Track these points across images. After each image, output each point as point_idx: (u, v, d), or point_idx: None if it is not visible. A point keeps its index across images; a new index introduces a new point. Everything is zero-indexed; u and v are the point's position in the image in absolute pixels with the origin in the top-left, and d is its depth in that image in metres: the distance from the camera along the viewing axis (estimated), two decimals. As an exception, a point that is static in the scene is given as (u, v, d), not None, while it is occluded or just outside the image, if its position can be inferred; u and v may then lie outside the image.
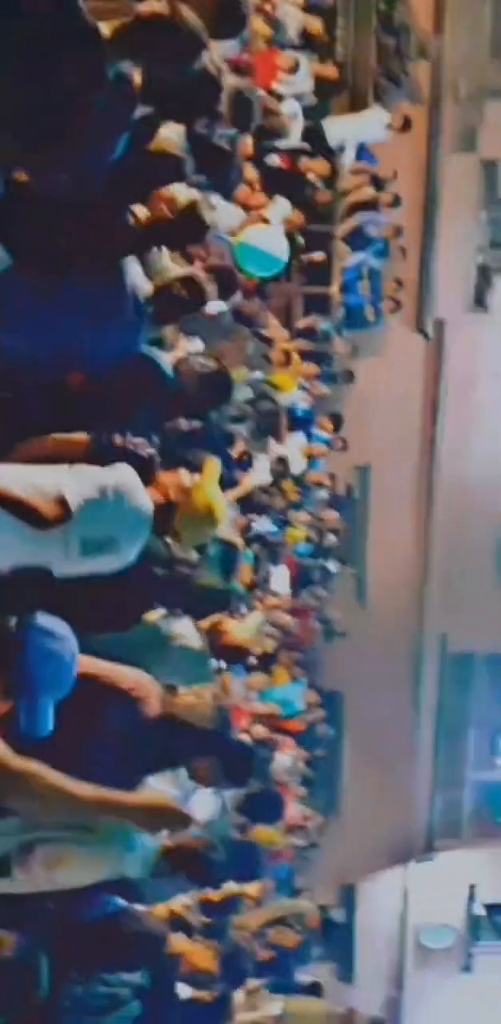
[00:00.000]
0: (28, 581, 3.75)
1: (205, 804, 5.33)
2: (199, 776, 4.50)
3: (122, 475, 3.92)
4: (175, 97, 3.91)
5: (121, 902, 4.52)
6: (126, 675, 4.17)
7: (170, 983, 5.24)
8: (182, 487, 4.32)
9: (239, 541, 6.12)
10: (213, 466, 4.59)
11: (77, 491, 3.65)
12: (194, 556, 4.87)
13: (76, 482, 3.69)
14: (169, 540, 4.42)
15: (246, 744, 6.38)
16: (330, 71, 12.38)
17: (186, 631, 5.26)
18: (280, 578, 10.91)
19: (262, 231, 7.31)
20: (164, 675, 4.54)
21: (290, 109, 11.97)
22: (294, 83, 12.23)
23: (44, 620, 3.50)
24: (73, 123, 2.97)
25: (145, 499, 4.08)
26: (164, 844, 4.20)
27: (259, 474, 8.65)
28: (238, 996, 8.02)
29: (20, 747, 3.30)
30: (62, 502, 3.60)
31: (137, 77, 3.64)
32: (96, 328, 4.04)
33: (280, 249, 7.44)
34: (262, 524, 10.72)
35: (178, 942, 5.20)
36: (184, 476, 4.37)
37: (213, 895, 5.68)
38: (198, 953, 5.37)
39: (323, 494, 13.58)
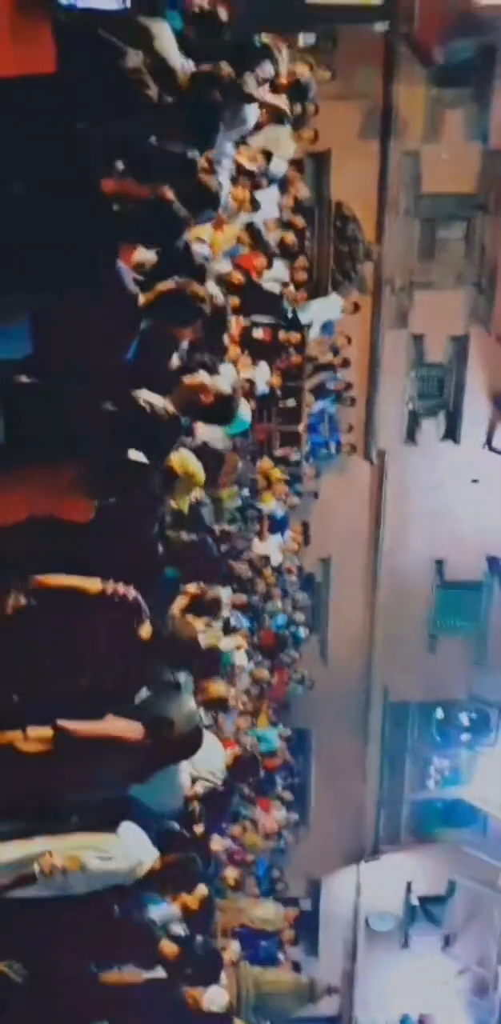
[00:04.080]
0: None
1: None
2: None
3: None
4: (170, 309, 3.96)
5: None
6: None
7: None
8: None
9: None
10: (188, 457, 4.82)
11: None
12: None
13: None
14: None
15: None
16: (301, 263, 12.97)
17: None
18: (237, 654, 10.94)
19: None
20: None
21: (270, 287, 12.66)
22: (271, 275, 12.90)
23: None
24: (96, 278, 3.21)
25: None
26: None
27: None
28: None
29: None
30: None
31: (142, 298, 3.80)
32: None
33: (247, 416, 7.74)
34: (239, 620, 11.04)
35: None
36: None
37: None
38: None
39: (294, 579, 13.93)
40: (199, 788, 5.45)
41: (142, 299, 3.77)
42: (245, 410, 7.39)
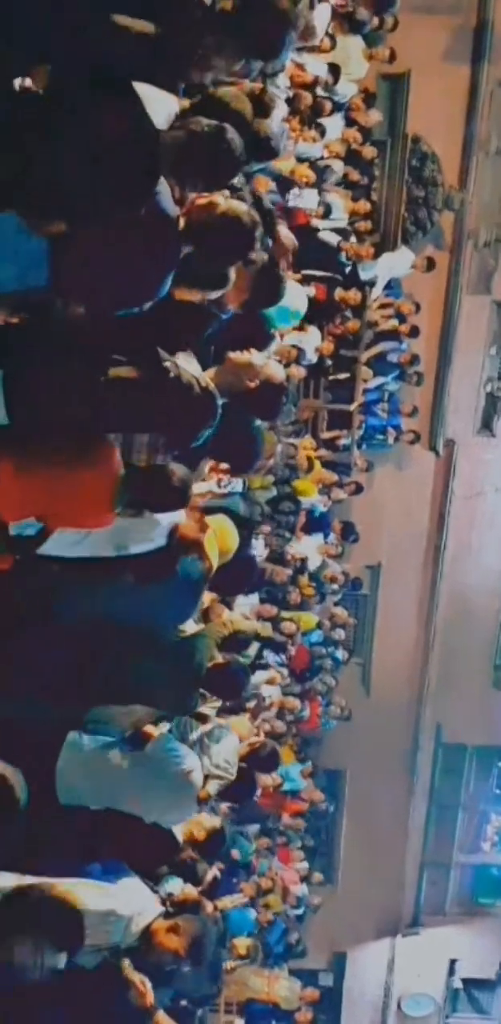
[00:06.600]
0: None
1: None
2: None
3: None
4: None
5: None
6: None
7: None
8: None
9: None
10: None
11: None
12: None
13: None
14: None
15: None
16: (363, 206, 12.68)
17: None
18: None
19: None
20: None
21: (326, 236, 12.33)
22: (328, 221, 12.54)
23: None
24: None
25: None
26: None
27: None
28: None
29: None
30: None
31: (181, 221, 3.62)
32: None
33: (303, 306, 7.32)
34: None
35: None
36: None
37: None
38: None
39: (336, 588, 13.60)
40: (212, 787, 5.59)
41: (182, 223, 3.56)
42: (299, 297, 6.99)
